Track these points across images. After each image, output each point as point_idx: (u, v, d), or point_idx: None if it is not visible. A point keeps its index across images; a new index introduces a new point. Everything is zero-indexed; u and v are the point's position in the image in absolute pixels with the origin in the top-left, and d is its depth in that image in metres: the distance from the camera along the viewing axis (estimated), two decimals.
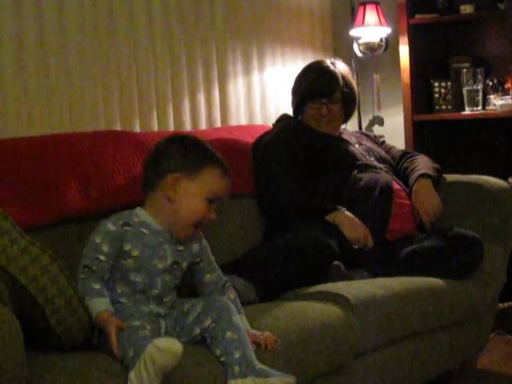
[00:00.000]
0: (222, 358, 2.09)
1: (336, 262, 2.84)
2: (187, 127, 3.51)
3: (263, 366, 2.09)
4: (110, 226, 2.19)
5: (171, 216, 2.25)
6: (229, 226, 3.12)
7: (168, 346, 1.91)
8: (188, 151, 2.28)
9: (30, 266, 1.98)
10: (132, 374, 1.91)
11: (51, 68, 3.00)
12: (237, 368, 2.07)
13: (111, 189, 2.77)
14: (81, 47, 3.09)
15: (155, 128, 3.38)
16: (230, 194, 2.37)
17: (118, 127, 3.23)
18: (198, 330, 2.14)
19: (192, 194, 2.24)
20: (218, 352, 2.10)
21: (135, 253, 2.19)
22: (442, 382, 3.22)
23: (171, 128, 3.44)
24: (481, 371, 3.38)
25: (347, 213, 3.06)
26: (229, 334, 2.11)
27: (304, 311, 2.48)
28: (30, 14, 2.93)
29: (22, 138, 2.77)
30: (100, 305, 2.10)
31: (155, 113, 3.39)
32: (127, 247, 2.18)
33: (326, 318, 2.47)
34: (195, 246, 2.33)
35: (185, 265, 2.30)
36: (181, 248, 2.28)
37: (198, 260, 2.34)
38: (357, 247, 3.01)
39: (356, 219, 3.05)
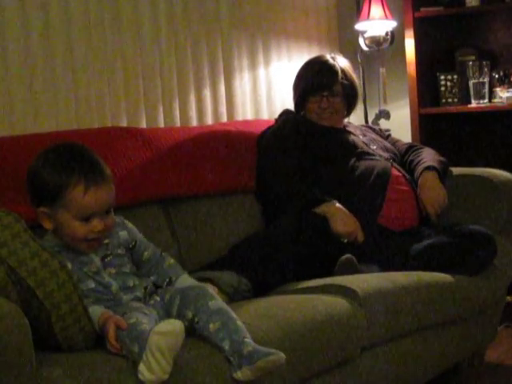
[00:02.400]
0: (222, 353, 2.09)
1: (348, 256, 2.83)
2: (193, 122, 3.51)
3: (250, 347, 2.06)
4: None
5: (64, 238, 2.22)
6: (234, 221, 3.13)
7: (169, 328, 1.93)
8: (45, 177, 2.19)
9: (39, 270, 1.99)
10: (142, 366, 1.92)
11: (57, 65, 3.00)
12: (232, 360, 2.07)
13: (117, 185, 2.77)
14: (86, 44, 3.09)
15: (161, 124, 3.38)
16: (111, 200, 2.24)
17: (124, 123, 3.23)
18: (186, 323, 2.12)
19: (62, 221, 2.19)
20: (213, 345, 2.11)
21: (68, 266, 2.16)
22: (451, 376, 3.22)
23: (177, 123, 3.44)
24: (489, 364, 3.38)
25: (338, 205, 3.04)
26: (211, 326, 2.10)
27: (311, 303, 2.48)
28: (36, 11, 2.93)
29: (28, 135, 2.77)
30: (98, 309, 2.12)
31: (161, 108, 3.39)
32: None
33: (333, 311, 2.47)
34: (123, 234, 2.32)
35: (120, 251, 2.29)
36: (106, 241, 2.27)
37: (133, 243, 2.34)
38: (346, 241, 3.00)
39: (347, 212, 3.04)
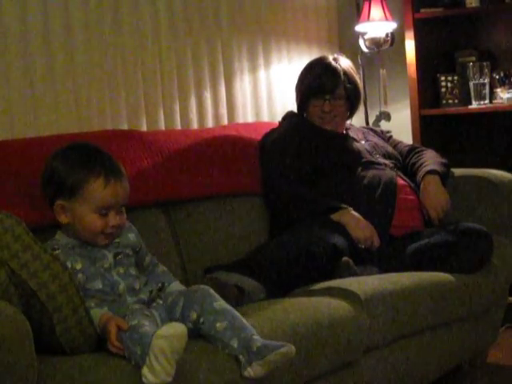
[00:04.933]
0: (226, 351, 2.11)
1: (345, 258, 2.84)
2: (194, 125, 3.51)
3: (259, 343, 2.08)
4: None
5: (78, 234, 2.27)
6: (235, 225, 3.13)
7: (172, 331, 1.94)
8: (64, 172, 2.26)
9: (41, 272, 1.99)
10: (145, 370, 1.93)
11: (57, 68, 3.00)
12: (241, 358, 2.09)
13: None
14: (87, 47, 3.09)
15: (162, 127, 3.38)
16: (127, 196, 2.32)
17: (125, 126, 3.23)
18: (190, 325, 2.14)
19: (80, 214, 2.25)
20: (219, 345, 2.12)
21: (78, 265, 2.21)
22: (453, 377, 3.22)
23: (178, 126, 3.44)
24: (492, 365, 3.37)
25: (353, 212, 3.06)
26: (218, 325, 2.11)
27: (314, 306, 2.49)
28: (36, 14, 2.93)
29: (29, 139, 2.78)
30: (98, 311, 2.13)
31: (162, 111, 3.39)
32: (68, 266, 2.18)
33: (335, 313, 2.47)
34: (131, 236, 2.37)
35: (128, 251, 2.33)
36: (117, 240, 2.32)
37: (139, 247, 2.39)
38: (363, 247, 3.00)
39: (362, 219, 3.05)
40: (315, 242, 2.79)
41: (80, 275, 2.20)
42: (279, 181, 3.18)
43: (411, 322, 2.73)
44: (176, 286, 2.39)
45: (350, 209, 3.06)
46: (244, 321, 2.14)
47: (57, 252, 2.21)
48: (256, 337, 2.10)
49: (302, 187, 3.16)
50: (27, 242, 2.01)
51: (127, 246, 2.34)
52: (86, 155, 2.30)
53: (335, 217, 3.03)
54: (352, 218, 3.04)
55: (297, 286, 2.73)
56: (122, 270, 2.28)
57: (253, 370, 2.07)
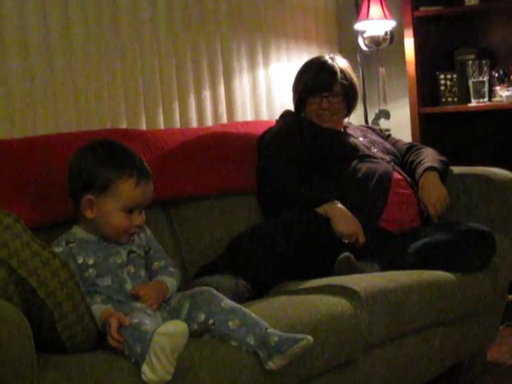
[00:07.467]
0: (243, 348, 2.13)
1: (346, 254, 2.82)
2: (193, 124, 3.51)
3: (276, 337, 2.10)
4: (56, 248, 2.24)
5: (100, 230, 2.30)
6: (235, 223, 3.13)
7: (173, 329, 1.94)
8: (95, 168, 2.29)
9: (40, 270, 1.99)
10: (144, 367, 1.93)
11: (56, 67, 3.01)
12: (261, 353, 2.11)
13: None
14: (85, 46, 3.10)
15: (161, 125, 3.38)
16: (152, 197, 2.37)
17: (124, 125, 3.23)
18: (195, 326, 2.15)
19: (108, 211, 2.28)
20: (235, 343, 2.13)
21: (90, 261, 2.25)
22: (452, 375, 3.22)
23: (177, 125, 3.44)
24: (491, 363, 3.37)
25: (340, 205, 3.02)
26: (231, 324, 2.13)
27: (313, 304, 2.48)
28: (35, 14, 2.94)
29: (28, 138, 2.78)
30: (100, 307, 2.15)
31: (161, 110, 3.39)
32: (80, 260, 2.23)
33: (335, 311, 2.47)
34: (142, 236, 2.40)
35: (140, 251, 2.36)
36: (132, 238, 2.34)
37: (147, 248, 2.41)
38: (347, 242, 2.99)
39: (348, 213, 3.01)
40: (281, 237, 2.77)
41: (91, 270, 2.23)
42: (272, 177, 3.18)
43: (411, 320, 2.72)
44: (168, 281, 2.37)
45: (337, 201, 3.03)
46: (254, 315, 2.16)
47: (71, 245, 2.25)
48: (270, 330, 2.13)
49: (292, 181, 3.14)
50: (26, 240, 2.01)
51: (140, 245, 2.37)
52: (118, 153, 2.33)
53: (321, 209, 3.01)
54: (338, 211, 3.00)
55: (276, 283, 2.74)
56: (132, 270, 2.31)
57: (274, 364, 2.10)
